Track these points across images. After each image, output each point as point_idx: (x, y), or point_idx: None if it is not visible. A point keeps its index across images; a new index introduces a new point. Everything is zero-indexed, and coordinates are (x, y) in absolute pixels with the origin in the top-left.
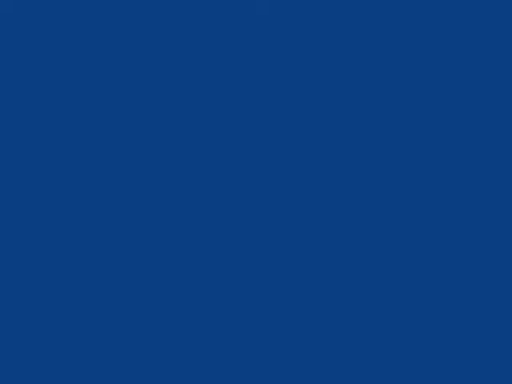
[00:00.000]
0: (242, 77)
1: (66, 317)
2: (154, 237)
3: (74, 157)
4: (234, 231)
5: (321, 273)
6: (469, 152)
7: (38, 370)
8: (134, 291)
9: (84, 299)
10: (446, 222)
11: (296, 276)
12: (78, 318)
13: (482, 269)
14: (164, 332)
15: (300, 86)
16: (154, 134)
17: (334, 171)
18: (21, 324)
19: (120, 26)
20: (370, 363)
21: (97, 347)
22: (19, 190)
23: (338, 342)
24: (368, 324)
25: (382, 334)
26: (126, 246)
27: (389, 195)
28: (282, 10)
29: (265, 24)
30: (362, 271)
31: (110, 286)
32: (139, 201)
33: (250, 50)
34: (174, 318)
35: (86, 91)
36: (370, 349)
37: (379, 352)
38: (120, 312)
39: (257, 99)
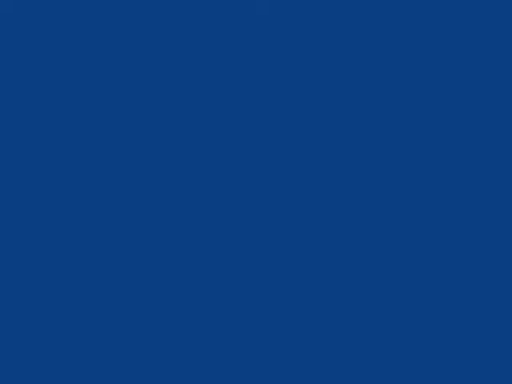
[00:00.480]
0: (241, 76)
1: (65, 316)
2: (154, 236)
3: (74, 156)
4: (234, 231)
5: (321, 273)
6: (469, 152)
7: (38, 370)
8: (134, 291)
9: (84, 299)
10: (446, 222)
11: (296, 276)
12: (78, 317)
13: (482, 269)
14: (164, 332)
15: (300, 85)
16: (153, 134)
17: (334, 171)
18: (21, 324)
19: (120, 25)
20: (370, 363)
21: (97, 347)
22: (19, 190)
23: (338, 342)
24: (368, 324)
25: (382, 334)
26: (126, 245)
27: (389, 195)
28: (282, 10)
29: (265, 24)
30: (362, 271)
31: (110, 286)
32: (139, 200)
33: (250, 49)
34: (174, 318)
35: (86, 91)
36: (370, 349)
37: (379, 352)
38: (120, 312)
39: (257, 99)
